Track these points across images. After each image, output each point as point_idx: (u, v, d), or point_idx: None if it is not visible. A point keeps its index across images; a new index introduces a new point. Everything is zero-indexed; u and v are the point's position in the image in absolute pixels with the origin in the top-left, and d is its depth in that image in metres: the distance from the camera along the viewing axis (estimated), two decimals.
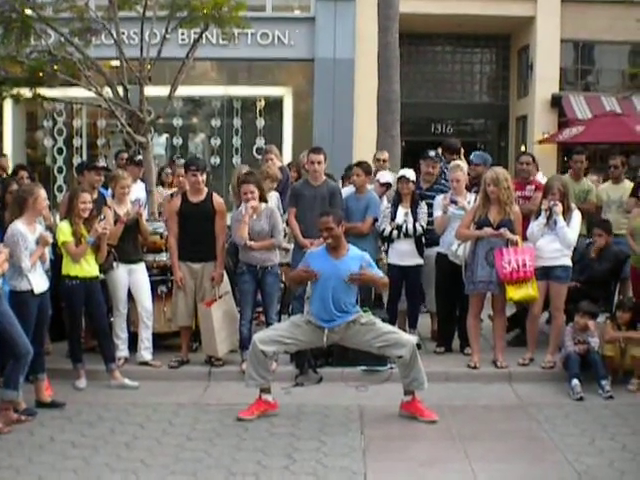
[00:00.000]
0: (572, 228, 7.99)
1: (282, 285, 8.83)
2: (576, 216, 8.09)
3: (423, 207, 8.58)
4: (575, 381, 7.41)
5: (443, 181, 9.21)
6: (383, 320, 7.95)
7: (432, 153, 9.09)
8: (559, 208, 7.89)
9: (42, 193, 6.87)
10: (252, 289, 7.95)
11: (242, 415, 6.71)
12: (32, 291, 6.72)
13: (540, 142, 20.18)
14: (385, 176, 9.30)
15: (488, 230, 7.89)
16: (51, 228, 7.83)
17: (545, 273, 7.98)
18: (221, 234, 8.07)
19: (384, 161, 9.83)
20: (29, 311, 6.71)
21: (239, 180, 8.25)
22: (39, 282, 6.82)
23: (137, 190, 9.25)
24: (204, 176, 8.06)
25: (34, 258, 6.71)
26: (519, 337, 8.77)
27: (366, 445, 6.18)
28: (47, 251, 7.07)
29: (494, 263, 7.83)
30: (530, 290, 7.81)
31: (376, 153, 10.44)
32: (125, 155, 10.91)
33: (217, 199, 8.16)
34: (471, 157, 9.93)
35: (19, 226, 6.68)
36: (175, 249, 8.05)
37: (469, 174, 9.09)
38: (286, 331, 6.79)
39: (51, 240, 7.03)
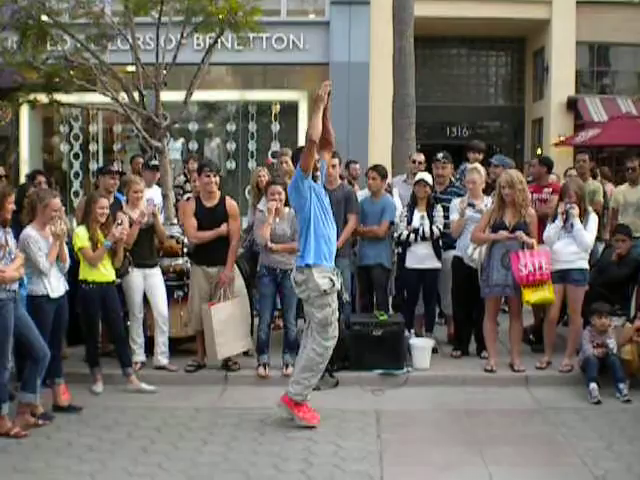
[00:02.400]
0: (589, 231, 7.96)
1: None
2: (593, 219, 8.06)
3: (439, 210, 8.58)
4: (593, 385, 7.37)
5: (457, 183, 9.21)
6: (398, 324, 7.97)
7: (440, 155, 9.11)
8: (575, 211, 7.86)
9: (53, 201, 6.81)
10: (272, 292, 7.96)
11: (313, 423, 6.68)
12: (48, 296, 6.77)
13: (556, 145, 20.12)
14: None
15: (504, 233, 7.87)
16: (68, 233, 7.86)
17: (562, 276, 7.95)
18: (234, 237, 8.07)
19: (420, 163, 9.81)
20: (45, 315, 6.75)
21: (268, 181, 8.25)
22: (56, 286, 6.86)
23: (153, 195, 9.27)
24: (217, 178, 8.06)
25: (51, 256, 6.74)
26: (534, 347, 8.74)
27: (383, 449, 6.17)
28: (66, 251, 7.08)
29: (510, 266, 7.80)
30: (547, 293, 7.79)
31: (412, 154, 10.42)
32: (140, 160, 10.95)
33: (230, 202, 8.15)
34: (491, 160, 9.94)
35: (29, 231, 6.72)
36: (200, 234, 7.98)
37: (488, 175, 9.07)
38: None
39: (64, 232, 6.96)
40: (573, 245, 7.93)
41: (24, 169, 18.07)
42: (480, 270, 8.09)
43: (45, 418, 6.72)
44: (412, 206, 8.65)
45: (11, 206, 6.51)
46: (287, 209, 7.93)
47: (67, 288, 7.05)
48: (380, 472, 5.73)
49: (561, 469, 5.85)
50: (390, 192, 9.23)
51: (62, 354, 7.42)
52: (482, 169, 8.81)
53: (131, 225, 7.84)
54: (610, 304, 8.01)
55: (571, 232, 7.91)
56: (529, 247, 7.79)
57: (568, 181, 8.72)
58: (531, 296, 7.80)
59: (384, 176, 8.90)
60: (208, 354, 8.05)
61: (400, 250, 8.76)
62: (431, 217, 8.52)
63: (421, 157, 9.93)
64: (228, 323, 7.89)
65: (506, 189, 7.88)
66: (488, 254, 8.00)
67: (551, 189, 9.30)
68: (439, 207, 8.61)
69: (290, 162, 9.77)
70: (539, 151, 20.96)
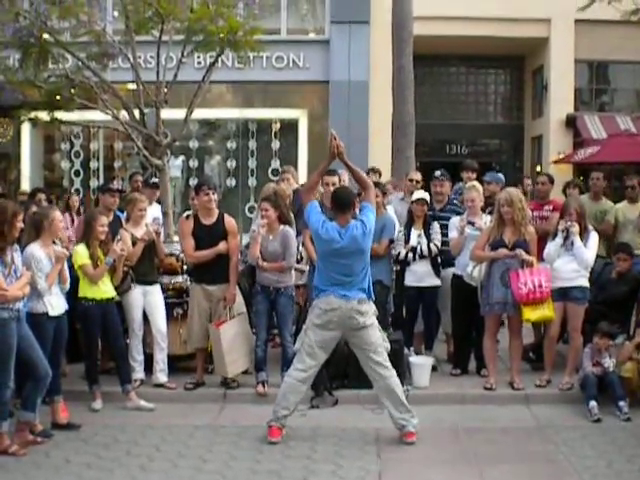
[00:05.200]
0: (589, 248, 7.96)
1: (297, 306, 8.81)
2: (593, 237, 8.07)
3: (435, 227, 8.58)
4: (592, 403, 7.35)
5: (455, 201, 9.23)
6: (398, 342, 7.95)
7: (437, 173, 9.15)
8: (576, 229, 7.87)
9: (57, 216, 6.94)
10: (266, 310, 7.95)
11: None
12: (48, 313, 6.76)
13: (555, 162, 20.14)
14: None
15: (503, 251, 7.88)
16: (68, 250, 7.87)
17: (562, 294, 7.94)
18: (234, 254, 8.08)
19: (417, 182, 9.82)
20: (45, 333, 6.73)
21: (262, 198, 8.29)
22: (55, 304, 6.85)
23: (153, 212, 9.29)
24: (216, 196, 8.10)
25: (51, 278, 6.75)
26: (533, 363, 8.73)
27: (382, 468, 6.15)
28: (67, 272, 7.09)
29: (509, 284, 7.81)
30: (546, 311, 7.79)
31: (409, 173, 10.41)
32: (140, 177, 10.98)
33: (228, 219, 8.16)
34: (484, 177, 9.96)
35: (33, 249, 6.73)
36: (197, 254, 8.00)
37: (483, 193, 9.09)
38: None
39: (66, 254, 7.00)
40: (573, 263, 7.94)
41: (25, 186, 18.09)
42: (480, 288, 8.09)
43: (44, 436, 6.70)
44: (409, 224, 8.66)
45: (20, 224, 6.49)
46: (281, 227, 7.94)
47: (67, 307, 7.05)
48: None
49: None
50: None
51: (61, 371, 7.41)
52: (480, 187, 8.83)
53: (134, 243, 7.86)
54: (610, 322, 8.00)
55: (571, 250, 7.91)
56: (529, 265, 7.80)
57: (569, 199, 8.73)
58: (531, 314, 7.80)
59: (385, 193, 8.93)
60: (217, 372, 8.08)
61: (398, 268, 8.77)
62: (428, 235, 8.52)
63: (418, 176, 9.95)
64: (235, 341, 7.93)
65: (505, 207, 7.90)
66: (488, 272, 8.00)
67: (552, 206, 9.32)
68: (435, 224, 8.61)
69: (292, 180, 9.78)
70: (538, 168, 20.98)
